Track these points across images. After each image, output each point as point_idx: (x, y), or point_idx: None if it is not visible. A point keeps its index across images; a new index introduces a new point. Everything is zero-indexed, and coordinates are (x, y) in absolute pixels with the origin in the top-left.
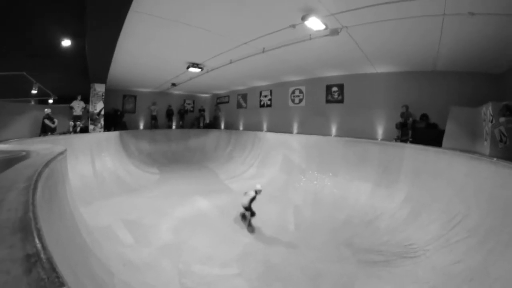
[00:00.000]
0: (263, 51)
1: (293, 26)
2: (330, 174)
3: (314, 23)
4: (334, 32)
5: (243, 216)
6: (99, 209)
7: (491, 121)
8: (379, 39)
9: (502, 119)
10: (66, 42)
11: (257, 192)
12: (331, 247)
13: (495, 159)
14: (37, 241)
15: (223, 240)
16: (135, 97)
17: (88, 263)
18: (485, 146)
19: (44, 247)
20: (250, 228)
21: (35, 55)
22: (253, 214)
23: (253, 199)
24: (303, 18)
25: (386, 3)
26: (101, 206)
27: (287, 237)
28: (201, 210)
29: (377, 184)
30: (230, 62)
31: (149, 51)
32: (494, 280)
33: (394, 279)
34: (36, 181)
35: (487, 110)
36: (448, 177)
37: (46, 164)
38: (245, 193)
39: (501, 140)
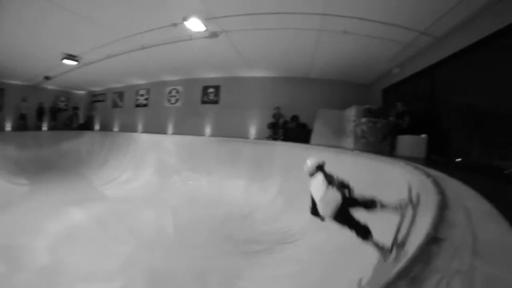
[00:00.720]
0: (142, 48)
1: (174, 25)
2: (205, 173)
3: (195, 24)
4: (214, 35)
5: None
6: None
7: (354, 121)
8: (257, 45)
9: (364, 119)
10: None
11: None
12: (212, 244)
13: (357, 151)
14: None
15: (104, 252)
16: (2, 90)
17: None
18: (349, 142)
19: None
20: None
21: None
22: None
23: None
24: (184, 19)
25: (266, 13)
26: None
27: (167, 239)
28: (78, 222)
29: (251, 180)
30: (108, 57)
31: (21, 35)
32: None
33: (277, 263)
34: None
35: (351, 112)
36: None
37: None
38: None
39: (362, 137)
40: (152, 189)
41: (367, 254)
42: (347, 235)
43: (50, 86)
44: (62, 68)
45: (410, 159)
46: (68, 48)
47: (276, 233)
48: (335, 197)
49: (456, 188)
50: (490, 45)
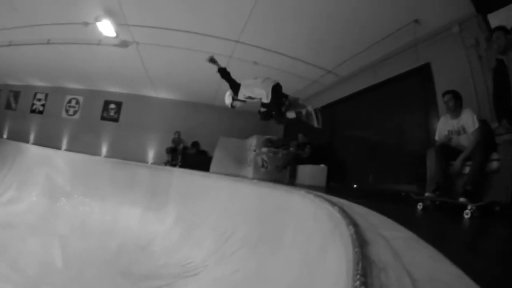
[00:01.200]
0: (48, 43)
1: (86, 24)
2: (98, 198)
3: (106, 28)
4: (124, 44)
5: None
6: None
7: (255, 150)
8: (165, 62)
9: (264, 149)
10: None
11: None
12: (107, 281)
13: (256, 180)
14: None
15: None
16: None
17: None
18: (249, 171)
19: None
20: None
21: None
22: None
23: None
24: (97, 19)
25: (181, 30)
26: None
27: (55, 276)
28: None
29: (147, 208)
30: (9, 45)
31: None
32: (269, 279)
33: None
34: None
35: (252, 142)
36: (215, 197)
37: None
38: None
39: (262, 166)
40: (38, 213)
41: (271, 285)
42: (250, 266)
43: None
44: None
45: (311, 187)
46: None
47: (176, 266)
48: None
49: (364, 215)
50: (382, 89)
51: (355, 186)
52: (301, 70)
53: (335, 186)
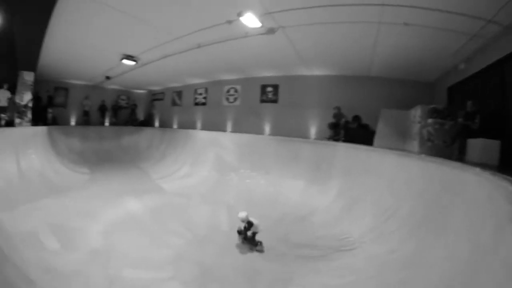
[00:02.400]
0: (199, 47)
1: (229, 22)
2: (263, 172)
3: (250, 20)
4: (270, 31)
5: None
6: (23, 213)
7: (420, 122)
8: (315, 41)
9: (430, 120)
10: None
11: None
12: (266, 245)
13: (423, 155)
14: None
15: (155, 242)
16: (66, 89)
17: (3, 271)
18: (414, 145)
19: None
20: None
21: None
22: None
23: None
24: (239, 14)
25: (322, 6)
26: (26, 209)
27: (221, 237)
28: (133, 212)
29: (310, 181)
30: (165, 57)
31: (83, 38)
32: (430, 266)
33: (332, 271)
34: None
35: (416, 112)
36: (378, 172)
37: None
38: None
39: (428, 139)
40: (209, 185)
41: (428, 271)
42: (411, 248)
43: (111, 85)
44: (122, 68)
45: (481, 165)
46: (126, 49)
47: (333, 239)
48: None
49: None
50: None
51: None
52: (457, 23)
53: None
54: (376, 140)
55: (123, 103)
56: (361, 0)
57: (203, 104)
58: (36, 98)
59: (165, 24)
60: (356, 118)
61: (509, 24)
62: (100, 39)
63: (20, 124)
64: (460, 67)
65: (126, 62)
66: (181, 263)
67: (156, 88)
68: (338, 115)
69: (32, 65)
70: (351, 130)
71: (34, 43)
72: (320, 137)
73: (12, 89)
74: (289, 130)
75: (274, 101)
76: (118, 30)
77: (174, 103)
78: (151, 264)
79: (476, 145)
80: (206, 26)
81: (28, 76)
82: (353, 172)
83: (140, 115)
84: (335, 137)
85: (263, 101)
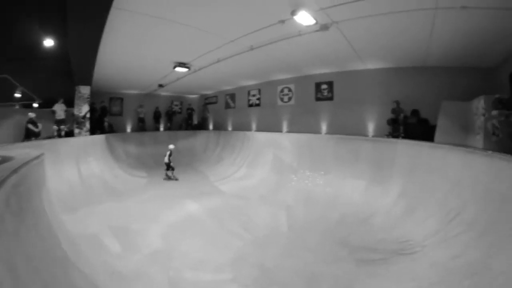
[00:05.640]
0: (251, 49)
1: (282, 21)
2: (322, 172)
3: (304, 18)
4: (324, 27)
5: (167, 175)
6: (85, 216)
7: (484, 115)
8: (369, 34)
9: (494, 112)
10: (48, 42)
11: (171, 150)
12: (326, 248)
13: (490, 151)
14: None
15: (215, 244)
16: (121, 99)
17: (69, 276)
18: (478, 140)
19: None
20: (174, 177)
21: (17, 57)
22: (171, 167)
23: (170, 154)
24: (293, 13)
25: None
26: (87, 212)
27: (280, 239)
28: (191, 214)
29: (371, 181)
30: (218, 61)
31: (135, 50)
32: (497, 274)
33: (392, 276)
34: None
35: (479, 104)
36: (443, 171)
37: (16, 170)
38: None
39: (493, 133)
40: (268, 186)
41: (498, 280)
42: (476, 254)
43: (164, 92)
44: (175, 76)
45: None
46: (178, 56)
47: (394, 242)
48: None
49: None
50: None
51: None
52: None
53: None
54: (437, 135)
55: (176, 108)
56: None
57: (257, 105)
58: (92, 110)
59: (217, 29)
60: (415, 112)
61: None
62: (152, 50)
63: (79, 134)
64: None
65: (179, 69)
66: (241, 265)
67: (208, 92)
68: (396, 110)
69: (87, 79)
70: (411, 125)
71: (88, 58)
72: (379, 134)
73: (69, 103)
74: (346, 128)
75: (330, 98)
76: (170, 39)
77: (227, 106)
78: (211, 266)
79: None
80: (258, 27)
81: (84, 90)
82: (415, 171)
83: (195, 119)
84: (394, 134)
85: (318, 99)
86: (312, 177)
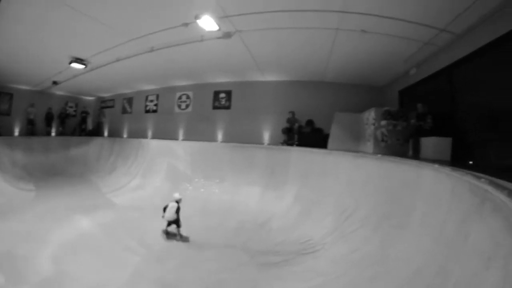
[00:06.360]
0: (152, 50)
1: (186, 24)
2: (218, 180)
3: (207, 23)
4: (227, 35)
5: (167, 233)
6: None
7: (374, 124)
8: (271, 46)
9: (383, 122)
10: None
11: (178, 201)
12: (227, 255)
13: (379, 155)
14: None
15: (111, 262)
16: (11, 95)
17: None
18: (368, 146)
19: None
20: (183, 238)
21: None
22: (179, 225)
23: (178, 209)
24: (196, 17)
25: (281, 11)
26: None
27: (179, 250)
28: (84, 231)
29: (266, 187)
30: (117, 60)
31: (28, 36)
32: (395, 261)
33: (296, 276)
34: None
35: (370, 115)
36: (336, 174)
37: None
38: (165, 208)
39: (382, 140)
40: (163, 196)
41: (396, 266)
42: (371, 246)
43: (58, 91)
44: (70, 73)
45: (435, 161)
46: (75, 51)
47: (294, 244)
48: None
49: None
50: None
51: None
52: (412, 32)
53: (462, 160)
54: (330, 143)
55: (71, 110)
56: (321, 6)
57: (154, 111)
58: None
59: (118, 25)
60: (310, 122)
61: (461, 33)
62: (47, 39)
63: None
64: (411, 72)
65: (75, 65)
66: (140, 283)
67: (105, 94)
68: (291, 120)
69: None
70: (305, 134)
71: None
72: (274, 142)
73: None
74: (242, 137)
75: (227, 107)
76: (68, 28)
77: (124, 111)
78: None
79: (429, 143)
80: (161, 28)
81: None
82: (310, 175)
83: (89, 124)
84: (289, 142)
85: (216, 107)
86: (207, 185)
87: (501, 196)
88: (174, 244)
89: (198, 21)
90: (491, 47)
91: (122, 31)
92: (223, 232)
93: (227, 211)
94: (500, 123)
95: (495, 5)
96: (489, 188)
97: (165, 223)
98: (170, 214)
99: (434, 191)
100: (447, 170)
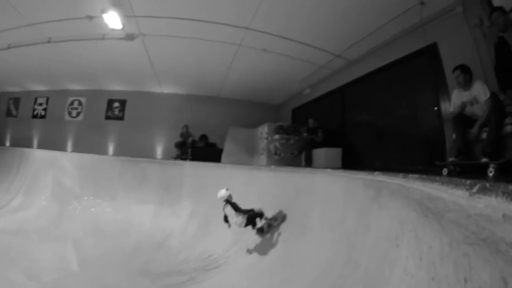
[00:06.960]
0: (49, 42)
1: (90, 17)
2: (109, 198)
3: (112, 20)
4: (130, 37)
5: (261, 230)
6: None
7: (267, 138)
8: (171, 54)
9: (276, 136)
10: None
11: (228, 200)
12: (127, 280)
13: (273, 166)
14: None
15: None
16: None
17: None
18: (262, 159)
19: None
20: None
21: None
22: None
23: (236, 207)
24: (103, 11)
25: (190, 19)
26: None
27: (72, 280)
28: None
29: (161, 204)
30: (8, 47)
31: None
32: (303, 261)
33: None
34: None
35: (263, 130)
36: (230, 187)
37: None
38: (226, 217)
39: (275, 153)
40: (49, 217)
41: (305, 265)
42: (275, 253)
43: None
44: None
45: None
46: None
47: (197, 260)
48: (240, 221)
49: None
50: (392, 70)
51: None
52: (310, 55)
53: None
54: (224, 157)
55: None
56: (231, 21)
57: (43, 117)
58: None
59: (19, 3)
60: (203, 137)
61: (354, 59)
62: None
63: None
64: (305, 92)
65: None
66: None
67: None
68: (185, 134)
69: None
70: (198, 148)
71: None
72: (167, 156)
73: None
74: (135, 150)
75: (120, 118)
76: None
77: (9, 113)
78: None
79: (320, 154)
80: (63, 17)
81: None
82: (205, 189)
83: None
84: (182, 156)
85: (108, 117)
86: (98, 204)
87: (396, 181)
88: (66, 272)
89: (104, 15)
90: (378, 71)
91: (20, 11)
92: (119, 255)
93: (121, 231)
94: (382, 135)
95: (388, 38)
96: (384, 178)
97: (243, 226)
98: (239, 219)
99: (329, 192)
100: (339, 172)
